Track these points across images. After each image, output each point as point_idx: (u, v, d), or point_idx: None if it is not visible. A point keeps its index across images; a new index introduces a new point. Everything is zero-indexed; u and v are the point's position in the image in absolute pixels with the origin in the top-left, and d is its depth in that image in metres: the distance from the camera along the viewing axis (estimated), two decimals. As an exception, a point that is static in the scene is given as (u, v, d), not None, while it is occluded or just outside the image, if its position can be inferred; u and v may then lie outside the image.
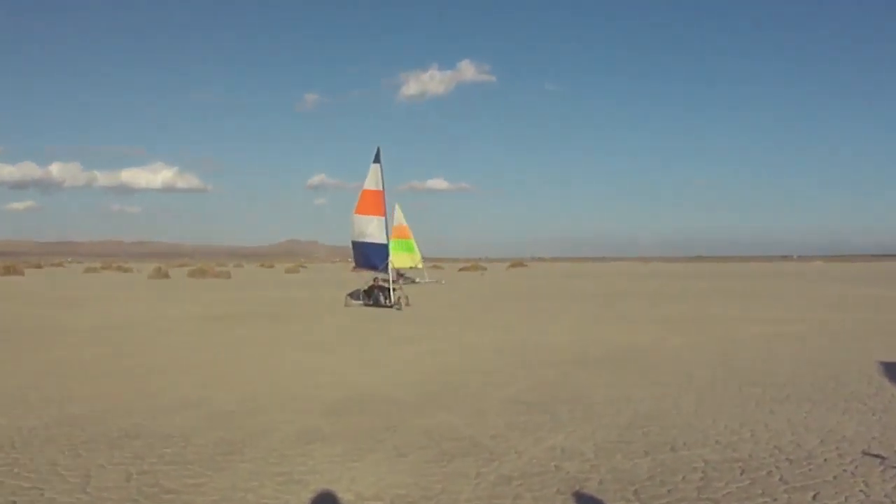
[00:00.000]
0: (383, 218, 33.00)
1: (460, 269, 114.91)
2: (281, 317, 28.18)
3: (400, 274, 60.72)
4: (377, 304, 32.82)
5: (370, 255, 33.22)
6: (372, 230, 33.01)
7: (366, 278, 34.81)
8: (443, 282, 60.42)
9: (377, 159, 33.16)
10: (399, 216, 61.51)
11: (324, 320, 26.79)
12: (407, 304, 32.24)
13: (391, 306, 31.94)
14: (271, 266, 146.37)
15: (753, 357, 16.47)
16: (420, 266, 61.32)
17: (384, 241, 32.73)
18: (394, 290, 32.91)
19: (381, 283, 33.77)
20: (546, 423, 10.26)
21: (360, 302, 33.46)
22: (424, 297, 40.24)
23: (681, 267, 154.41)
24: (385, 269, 32.90)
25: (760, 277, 75.77)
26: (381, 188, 32.88)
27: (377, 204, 33.08)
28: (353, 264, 35.97)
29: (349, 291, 35.00)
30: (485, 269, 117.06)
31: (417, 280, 60.35)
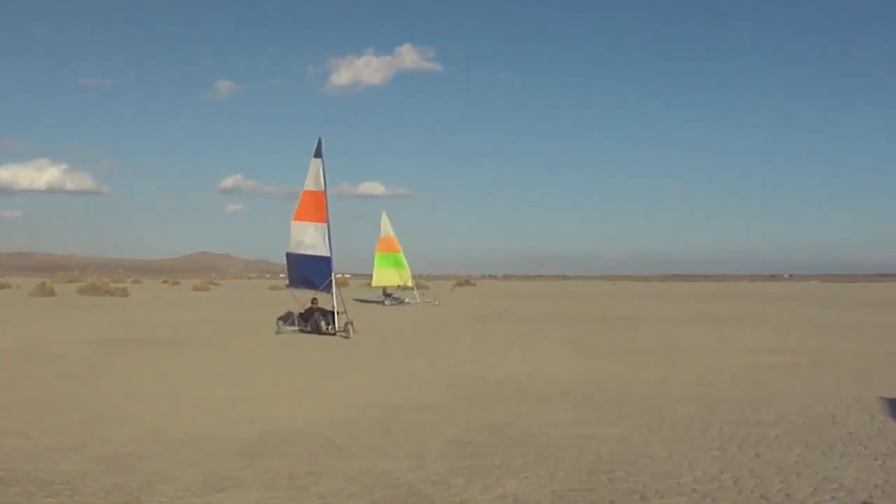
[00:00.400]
0: (325, 225, 31.63)
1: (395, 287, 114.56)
2: (187, 342, 27.86)
3: (387, 294, 61.32)
4: (317, 330, 30.70)
5: (307, 271, 31.93)
6: (310, 240, 31.82)
7: (303, 300, 32.59)
8: (436, 303, 59.59)
9: (318, 153, 32.04)
10: (386, 226, 61.91)
11: (239, 347, 26.55)
12: (354, 332, 29.82)
13: (334, 333, 30.24)
14: (177, 282, 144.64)
15: (736, 392, 16.68)
16: (410, 284, 61.49)
17: (326, 254, 31.46)
18: (338, 313, 30.87)
19: (320, 304, 32.09)
20: (496, 468, 10.28)
21: (295, 328, 31.48)
22: (366, 320, 40.09)
23: (653, 286, 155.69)
24: (327, 288, 31.36)
25: (746, 299, 76.67)
26: (322, 188, 31.73)
27: (318, 207, 31.78)
28: (287, 281, 34.34)
29: (280, 315, 32.70)
30: (426, 287, 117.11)
31: (407, 301, 59.63)
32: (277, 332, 30.98)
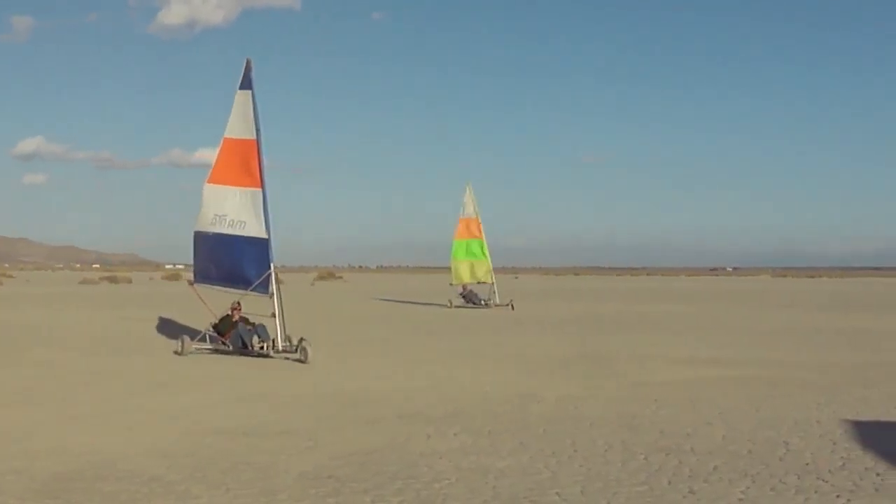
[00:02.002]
0: (259, 191, 27.44)
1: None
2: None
3: (468, 292, 59.52)
4: (242, 348, 26.68)
5: (230, 259, 27.86)
6: (235, 212, 27.71)
7: (219, 304, 28.58)
8: (513, 306, 55.90)
9: (246, 82, 28.10)
10: (470, 201, 60.05)
11: (40, 357, 26.07)
12: (307, 352, 25.19)
13: (270, 354, 26.19)
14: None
15: (668, 412, 16.91)
16: (491, 280, 58.98)
17: (261, 234, 27.26)
18: (282, 324, 26.55)
19: (244, 311, 27.98)
20: (365, 510, 10.21)
21: (207, 345, 27.44)
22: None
23: (565, 281, 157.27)
24: (264, 287, 27.17)
25: (681, 297, 77.84)
26: (254, 135, 27.71)
27: (247, 164, 27.77)
28: (192, 274, 30.09)
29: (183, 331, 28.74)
30: (281, 281, 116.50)
31: (487, 302, 58.01)
32: (179, 352, 26.46)
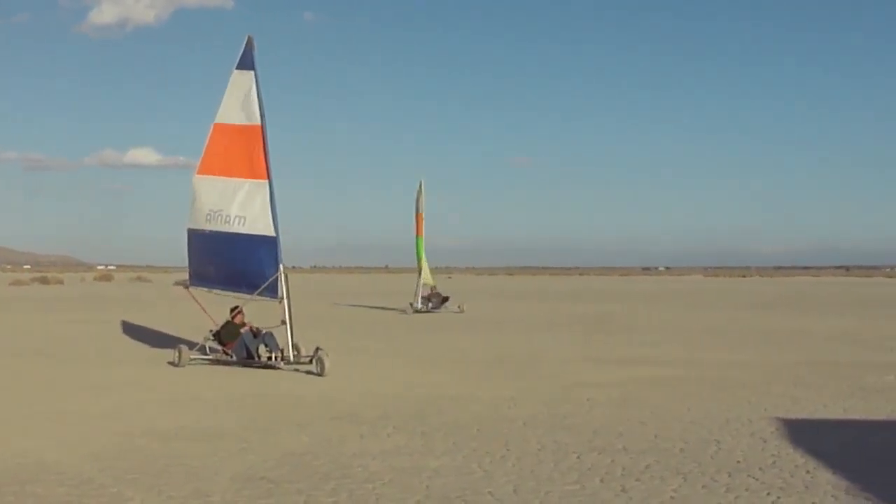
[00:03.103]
0: (265, 183, 24.95)
1: (176, 283, 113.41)
2: None
3: (433, 297, 54.74)
4: (248, 358, 24.17)
5: (230, 260, 25.34)
6: (237, 207, 25.03)
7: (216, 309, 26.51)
8: (464, 308, 53.86)
9: (247, 61, 25.58)
10: (422, 196, 56.87)
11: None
12: (324, 362, 22.70)
13: (279, 365, 23.71)
14: None
15: (600, 412, 16.99)
16: (433, 281, 56.47)
17: (267, 232, 24.73)
18: (291, 331, 24.07)
19: (248, 318, 25.49)
20: (298, 511, 10.19)
21: (207, 356, 24.92)
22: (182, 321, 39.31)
23: (496, 281, 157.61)
24: (273, 290, 24.57)
25: (612, 297, 78.23)
26: (257, 120, 25.08)
27: (250, 152, 25.17)
28: (187, 276, 27.17)
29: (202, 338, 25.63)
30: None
31: (444, 307, 54.29)
32: (176, 363, 24.10)
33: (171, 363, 24.23)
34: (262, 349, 24.37)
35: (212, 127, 25.63)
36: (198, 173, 25.75)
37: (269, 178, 24.80)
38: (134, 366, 24.29)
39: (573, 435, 14.61)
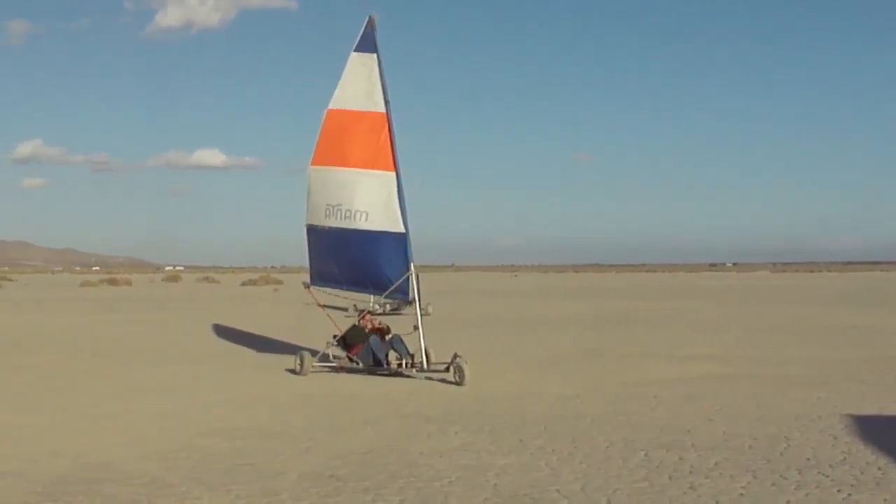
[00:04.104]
0: (392, 174, 23.06)
1: (244, 283, 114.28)
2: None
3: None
4: (376, 365, 22.47)
5: (359, 258, 23.53)
6: (360, 201, 23.16)
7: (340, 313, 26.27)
8: (430, 310, 46.39)
9: (368, 45, 23.66)
10: None
11: (37, 361, 26.13)
12: (464, 369, 20.88)
13: (412, 373, 21.95)
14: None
15: (667, 409, 16.93)
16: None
17: (395, 228, 22.91)
18: (423, 335, 22.15)
19: (376, 321, 24.18)
20: (366, 508, 10.21)
21: (332, 363, 23.12)
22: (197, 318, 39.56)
23: (563, 278, 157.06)
24: (403, 291, 23.10)
25: (680, 294, 77.66)
26: (381, 107, 23.24)
27: (373, 141, 23.30)
28: (308, 276, 25.48)
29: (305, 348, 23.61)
30: (280, 282, 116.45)
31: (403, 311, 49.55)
32: (298, 371, 22.63)
33: (292, 371, 22.68)
34: (390, 355, 22.42)
35: (325, 114, 23.69)
36: (311, 164, 23.98)
37: (396, 169, 22.93)
38: (201, 365, 24.44)
39: (640, 432, 14.54)
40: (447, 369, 21.19)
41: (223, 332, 36.21)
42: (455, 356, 21.18)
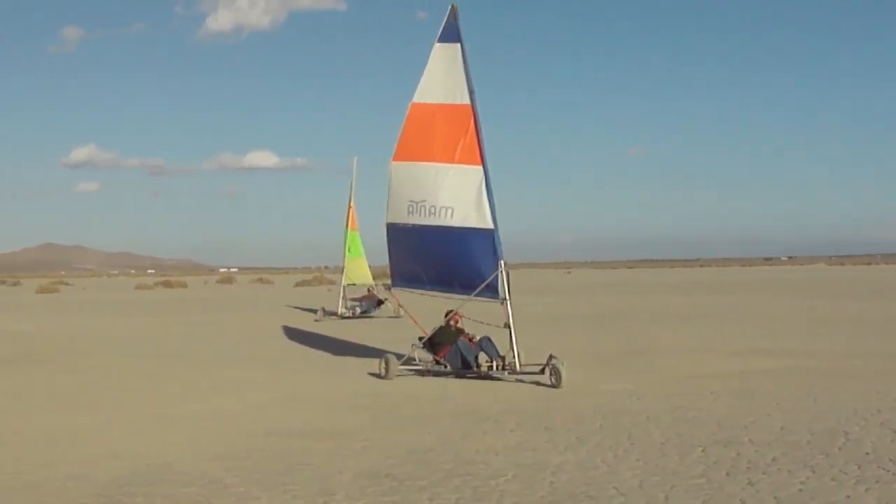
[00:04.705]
0: (479, 169, 22.17)
1: (298, 284, 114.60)
2: (28, 358, 27.64)
3: (366, 299, 48.75)
4: (464, 367, 21.58)
5: (444, 257, 22.79)
6: (445, 197, 22.34)
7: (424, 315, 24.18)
8: (401, 313, 42.19)
9: (452, 35, 22.78)
10: (354, 180, 51.04)
11: (96, 363, 26.29)
12: (555, 373, 19.94)
13: (501, 375, 21.07)
14: (16, 283, 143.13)
15: (724, 405, 16.83)
16: (370, 281, 50.50)
17: (484, 225, 22.00)
18: (514, 336, 21.36)
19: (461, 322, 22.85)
20: (423, 508, 10.23)
21: (418, 366, 22.30)
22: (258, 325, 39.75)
23: (617, 274, 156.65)
24: (492, 290, 21.87)
25: (736, 288, 77.26)
26: (466, 99, 22.38)
27: (457, 133, 22.40)
28: (390, 277, 25.13)
29: (389, 353, 22.52)
30: (333, 282, 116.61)
31: (378, 310, 47.62)
32: (383, 375, 21.63)
33: (377, 375, 21.73)
34: (479, 357, 21.38)
35: (409, 107, 22.93)
36: (394, 159, 23.08)
37: (483, 163, 22.04)
38: (257, 366, 24.53)
39: (697, 428, 14.48)
40: (542, 371, 20.32)
41: (278, 332, 36.41)
42: (550, 357, 20.22)
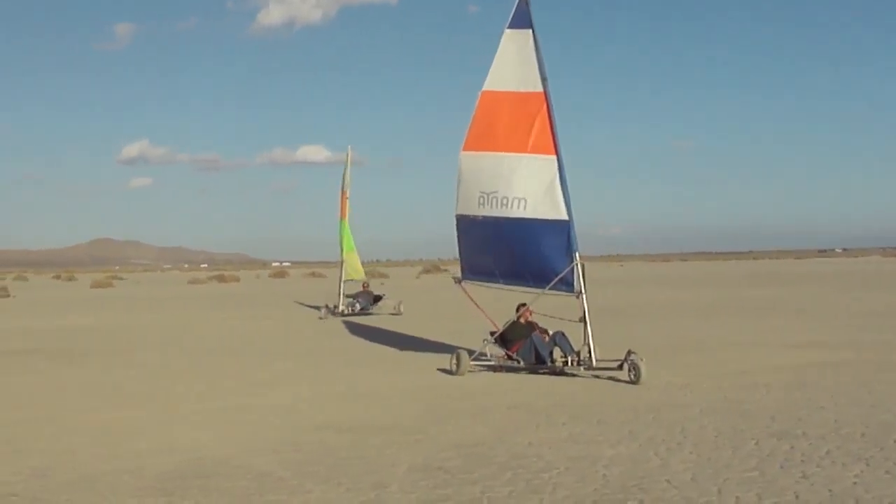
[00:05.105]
0: (553, 158, 21.53)
1: (347, 280, 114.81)
2: (83, 354, 27.79)
3: (362, 295, 46.21)
4: (537, 363, 21.07)
5: (516, 249, 22.10)
6: (518, 187, 21.72)
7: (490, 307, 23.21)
8: (401, 309, 44.60)
9: (523, 21, 22.21)
10: (348, 169, 48.70)
11: (149, 358, 26.46)
12: (633, 369, 19.33)
13: (576, 371, 20.52)
14: (71, 278, 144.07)
15: (777, 398, 16.75)
16: (362, 275, 48.30)
17: (559, 216, 21.38)
18: (590, 330, 20.83)
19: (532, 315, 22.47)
20: (477, 499, 10.28)
21: (490, 361, 21.85)
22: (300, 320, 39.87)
23: (670, 268, 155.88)
24: (567, 284, 21.31)
25: (788, 280, 76.76)
26: (539, 87, 21.78)
27: (529, 122, 21.77)
28: (460, 270, 24.11)
29: (461, 348, 22.09)
30: (386, 276, 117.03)
31: (376, 307, 45.61)
32: (455, 371, 21.19)
33: (448, 371, 21.28)
34: (554, 352, 21.06)
35: (479, 95, 22.34)
36: (464, 149, 22.47)
37: (557, 152, 21.38)
38: (308, 360, 24.63)
39: (750, 421, 14.42)
40: (620, 367, 19.63)
41: (330, 327, 36.54)
42: (629, 353, 19.62)
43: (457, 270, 23.83)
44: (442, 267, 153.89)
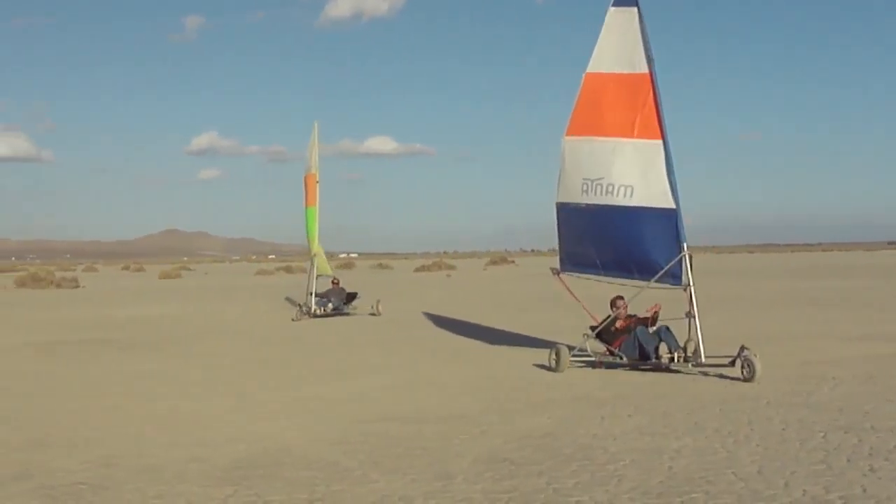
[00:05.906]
0: (659, 143, 20.71)
1: (417, 269, 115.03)
2: (151, 344, 28.10)
3: (333, 293, 41.91)
4: (642, 359, 20.20)
5: (621, 239, 21.42)
6: (620, 175, 20.94)
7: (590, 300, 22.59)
8: (380, 309, 40.13)
9: None
10: (315, 148, 43.71)
11: (216, 348, 26.71)
12: (747, 365, 18.27)
13: (679, 365, 19.82)
14: (140, 269, 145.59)
15: (844, 390, 16.60)
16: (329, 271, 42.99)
17: (665, 204, 20.64)
18: (698, 323, 20.27)
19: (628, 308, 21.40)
20: (542, 490, 10.27)
21: (591, 357, 20.89)
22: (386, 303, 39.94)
23: (737, 260, 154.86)
24: (675, 276, 20.81)
25: (856, 272, 76.03)
26: (645, 68, 20.97)
27: (634, 105, 21.04)
28: (558, 261, 23.25)
29: (560, 344, 21.11)
30: (453, 267, 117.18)
31: (350, 306, 41.88)
32: (554, 368, 20.18)
33: (545, 367, 20.34)
34: (660, 347, 20.11)
35: (583, 78, 21.50)
36: (567, 134, 21.65)
37: (663, 136, 20.54)
38: (374, 351, 24.78)
39: (818, 413, 14.31)
40: (732, 363, 18.66)
41: (394, 317, 36.63)
42: (742, 348, 18.53)
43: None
44: (508, 259, 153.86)
